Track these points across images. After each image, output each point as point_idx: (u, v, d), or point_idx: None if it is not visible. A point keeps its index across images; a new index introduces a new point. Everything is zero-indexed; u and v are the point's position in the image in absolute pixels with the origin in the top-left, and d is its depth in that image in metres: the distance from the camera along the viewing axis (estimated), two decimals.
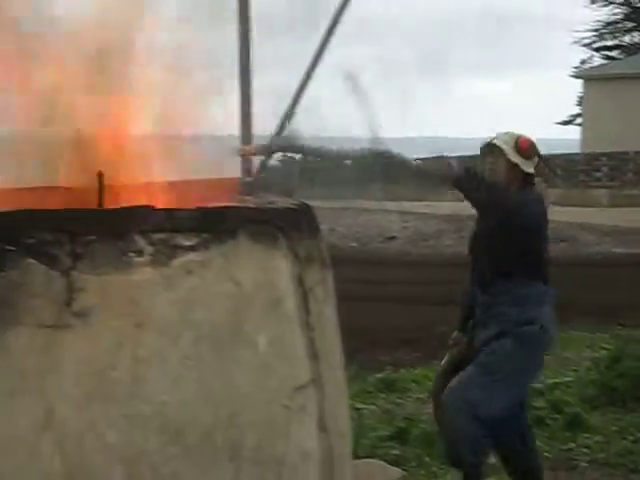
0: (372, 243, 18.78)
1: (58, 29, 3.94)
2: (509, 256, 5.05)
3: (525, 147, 5.10)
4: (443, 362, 5.39)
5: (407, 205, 22.05)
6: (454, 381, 5.09)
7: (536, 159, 5.17)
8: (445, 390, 5.11)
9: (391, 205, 21.42)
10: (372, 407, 7.40)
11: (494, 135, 5.21)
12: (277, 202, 3.76)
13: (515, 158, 5.07)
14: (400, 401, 7.67)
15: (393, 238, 19.10)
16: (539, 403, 7.01)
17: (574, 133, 52.74)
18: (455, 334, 5.36)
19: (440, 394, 5.18)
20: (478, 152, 5.29)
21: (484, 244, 5.18)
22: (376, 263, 16.70)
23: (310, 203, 3.83)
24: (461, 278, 5.56)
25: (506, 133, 5.18)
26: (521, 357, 5.02)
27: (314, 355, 3.53)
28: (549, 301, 5.17)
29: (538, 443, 5.63)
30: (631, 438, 6.59)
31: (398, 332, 10.99)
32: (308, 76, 13.52)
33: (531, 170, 5.14)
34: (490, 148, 5.17)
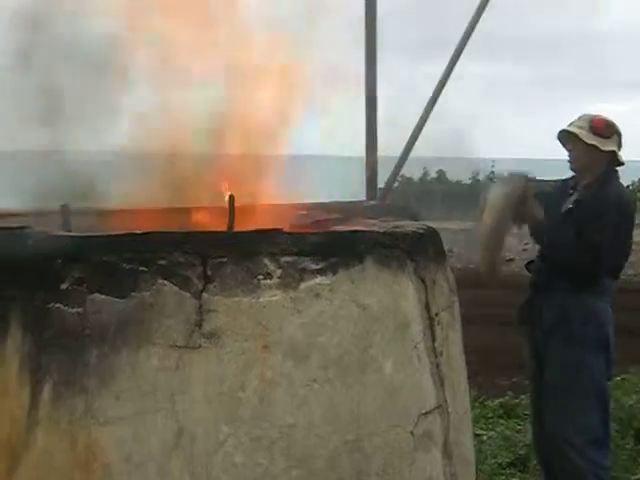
0: None
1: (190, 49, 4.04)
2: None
3: (600, 126, 4.89)
4: None
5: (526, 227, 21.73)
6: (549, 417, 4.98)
7: (616, 137, 4.93)
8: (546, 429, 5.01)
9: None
10: (492, 433, 7.29)
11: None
12: (403, 226, 3.75)
13: (592, 140, 4.86)
14: (520, 427, 7.55)
15: (511, 260, 18.85)
16: None
17: None
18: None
19: None
20: None
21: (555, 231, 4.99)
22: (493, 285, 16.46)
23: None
24: None
25: (580, 117, 4.97)
26: (590, 362, 4.87)
27: (440, 381, 3.51)
28: (609, 296, 4.98)
29: None
30: None
31: (516, 356, 10.81)
32: (435, 96, 13.45)
33: (612, 148, 4.91)
34: (566, 136, 4.98)
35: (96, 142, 4.01)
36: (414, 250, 3.50)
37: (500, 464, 6.40)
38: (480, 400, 8.01)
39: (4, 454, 3.16)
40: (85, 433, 3.10)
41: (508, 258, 18.91)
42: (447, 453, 3.50)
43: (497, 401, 8.12)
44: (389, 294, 3.38)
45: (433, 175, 31.58)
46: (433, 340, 3.52)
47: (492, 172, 31.49)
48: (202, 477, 3.09)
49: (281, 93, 4.14)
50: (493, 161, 31.76)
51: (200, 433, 3.10)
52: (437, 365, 3.51)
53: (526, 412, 7.94)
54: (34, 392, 3.16)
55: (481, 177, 31.45)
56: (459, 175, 30.13)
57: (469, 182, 30.51)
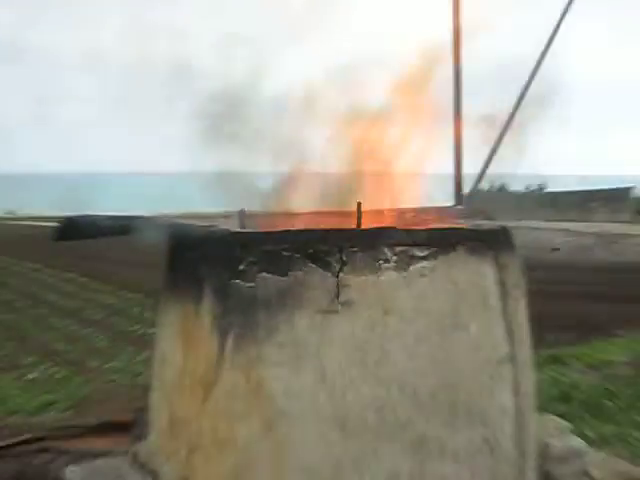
0: (541, 253, 18.10)
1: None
2: None
3: None
4: None
5: (568, 225, 21.14)
6: None
7: None
8: None
9: (556, 224, 20.58)
10: (544, 376, 7.10)
11: None
12: (483, 224, 3.68)
13: None
14: (564, 371, 7.33)
15: (557, 249, 18.35)
16: None
17: None
18: None
19: None
20: None
21: None
22: (544, 267, 16.06)
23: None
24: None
25: None
26: None
27: (511, 337, 3.42)
28: None
29: None
30: None
31: (561, 319, 10.55)
32: (510, 119, 12.96)
33: None
34: None
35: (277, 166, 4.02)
36: (493, 242, 3.42)
37: (550, 397, 6.21)
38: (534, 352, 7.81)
39: (201, 386, 3.21)
40: (257, 371, 3.12)
41: (554, 248, 18.42)
42: (516, 390, 3.40)
43: (547, 352, 7.89)
44: (474, 274, 3.31)
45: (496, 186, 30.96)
46: (506, 307, 3.42)
47: (539, 185, 30.76)
48: (340, 405, 3.08)
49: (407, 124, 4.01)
50: (543, 177, 30.95)
51: (337, 373, 3.08)
52: (509, 324, 3.42)
53: (567, 361, 7.70)
54: (221, 342, 3.19)
55: (532, 189, 30.74)
56: (516, 187, 29.61)
57: (523, 192, 29.90)
